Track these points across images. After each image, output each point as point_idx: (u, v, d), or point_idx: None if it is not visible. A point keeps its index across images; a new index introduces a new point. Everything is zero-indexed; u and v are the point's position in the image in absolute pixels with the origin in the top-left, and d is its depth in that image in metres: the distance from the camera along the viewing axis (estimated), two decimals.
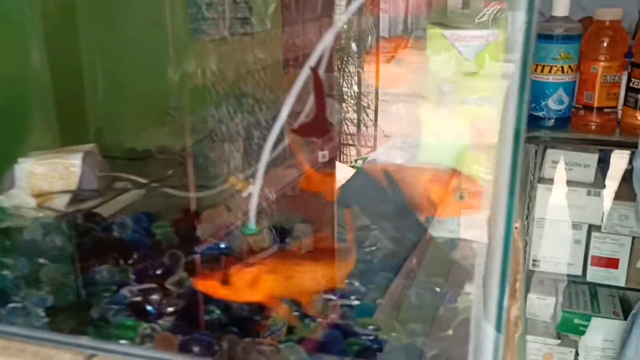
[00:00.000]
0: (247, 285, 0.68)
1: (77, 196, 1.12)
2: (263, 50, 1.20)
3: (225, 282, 0.72)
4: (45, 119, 1.26)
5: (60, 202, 1.09)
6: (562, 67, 1.59)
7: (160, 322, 0.83)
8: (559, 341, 1.79)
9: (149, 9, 1.39)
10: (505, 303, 0.69)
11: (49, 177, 1.10)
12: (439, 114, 1.03)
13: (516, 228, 1.16)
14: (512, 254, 1.09)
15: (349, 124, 2.45)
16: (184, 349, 0.78)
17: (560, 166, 1.69)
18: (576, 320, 1.75)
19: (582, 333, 1.75)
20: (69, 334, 0.83)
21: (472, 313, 0.68)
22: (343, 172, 1.35)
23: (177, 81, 1.17)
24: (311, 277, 0.68)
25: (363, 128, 2.52)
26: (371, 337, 0.81)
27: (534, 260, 1.80)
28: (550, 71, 1.61)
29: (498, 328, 0.69)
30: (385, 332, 0.81)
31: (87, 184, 1.13)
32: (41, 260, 0.94)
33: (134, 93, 1.41)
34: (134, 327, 0.82)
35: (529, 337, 1.82)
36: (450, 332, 0.82)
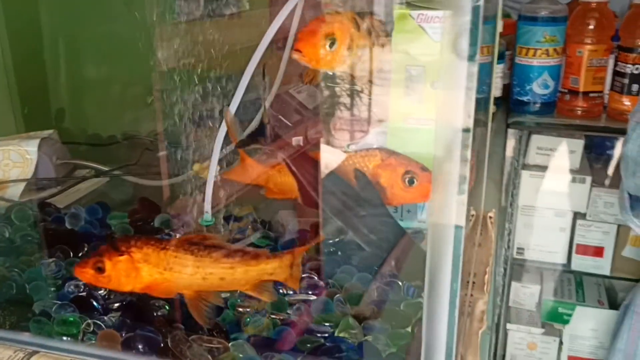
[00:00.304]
0: (122, 274, 0.64)
1: (32, 185, 1.07)
2: (248, 31, 1.16)
3: (99, 269, 0.67)
4: (5, 104, 1.21)
5: (15, 191, 1.05)
6: (547, 50, 1.54)
7: (106, 318, 0.79)
8: (543, 330, 1.76)
9: None
10: (458, 300, 0.65)
11: (3, 164, 1.06)
12: (407, 99, 0.98)
13: (490, 217, 1.12)
14: (484, 244, 1.05)
15: (342, 108, 2.41)
16: (127, 345, 0.75)
17: (545, 152, 1.64)
18: (560, 309, 1.72)
19: (567, 322, 1.72)
20: (10, 329, 0.80)
21: (424, 308, 0.64)
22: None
23: (151, 65, 1.12)
24: (194, 271, 0.64)
25: (357, 112, 2.47)
26: (326, 335, 0.77)
27: (518, 249, 1.76)
28: (534, 54, 1.55)
29: (451, 324, 0.65)
30: (341, 330, 0.77)
31: (44, 172, 1.09)
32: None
33: (103, 77, 1.36)
34: (77, 323, 0.78)
35: (512, 326, 1.79)
36: (409, 329, 0.79)
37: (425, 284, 0.66)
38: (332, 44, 0.62)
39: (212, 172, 0.88)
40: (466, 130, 0.57)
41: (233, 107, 0.85)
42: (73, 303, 0.80)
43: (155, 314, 0.80)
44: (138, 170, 1.19)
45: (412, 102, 0.99)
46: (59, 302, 0.80)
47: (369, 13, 0.67)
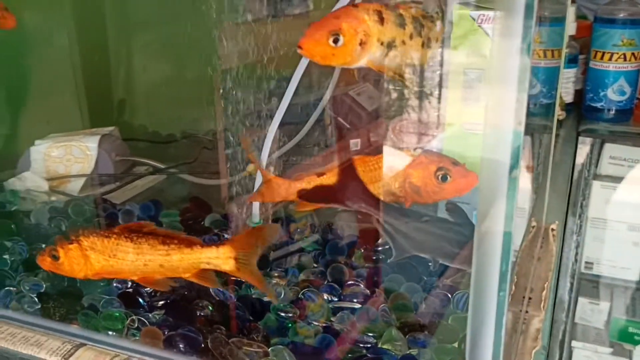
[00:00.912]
0: (74, 261, 0.68)
1: (92, 180, 1.10)
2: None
3: (54, 257, 0.69)
4: (72, 100, 1.25)
5: (75, 186, 1.08)
6: (625, 55, 1.45)
7: (150, 315, 0.80)
8: (612, 350, 1.66)
9: None
10: (504, 318, 0.61)
11: (65, 160, 1.09)
12: (464, 103, 0.94)
13: (552, 230, 1.06)
14: (543, 257, 0.99)
15: (411, 110, 2.37)
16: (169, 344, 0.75)
17: (619, 162, 1.55)
18: (631, 329, 1.62)
19: (638, 343, 1.62)
20: (59, 321, 0.81)
21: (468, 320, 0.61)
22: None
23: (214, 64, 1.13)
24: (135, 258, 0.68)
25: (425, 115, 2.42)
26: (369, 345, 0.75)
27: (587, 263, 1.67)
28: (610, 59, 1.46)
29: (497, 340, 0.61)
30: (385, 341, 0.75)
31: (104, 168, 1.12)
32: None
33: (166, 76, 1.38)
34: (122, 319, 0.79)
35: (578, 344, 1.70)
36: (456, 344, 0.75)
37: (470, 294, 0.63)
38: (336, 40, 0.58)
39: (259, 171, 0.87)
40: (517, 132, 0.54)
41: (283, 108, 0.83)
42: (119, 298, 0.82)
43: (198, 314, 0.80)
44: (196, 169, 1.20)
45: (470, 106, 0.95)
46: (106, 297, 0.82)
47: (413, 4, 0.63)
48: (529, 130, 1.37)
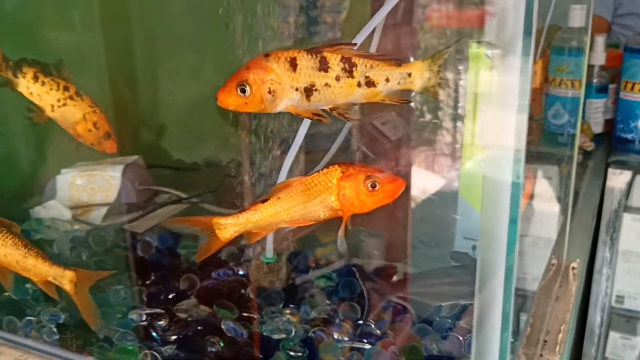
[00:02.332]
0: None
1: (114, 209, 1.13)
2: None
3: None
4: None
5: (98, 215, 1.11)
6: None
7: (163, 349, 0.81)
8: None
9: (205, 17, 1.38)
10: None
11: (89, 188, 1.12)
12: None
13: (573, 268, 1.04)
14: (562, 298, 0.97)
15: (445, 133, 2.36)
16: None
17: None
18: None
19: None
20: (76, 352, 0.83)
21: None
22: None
23: None
24: None
25: (458, 137, 2.41)
26: None
27: (617, 297, 1.63)
28: None
29: None
30: None
31: (127, 197, 1.14)
32: None
33: (190, 104, 1.41)
34: (135, 353, 0.80)
35: None
36: None
37: (473, 334, 0.62)
38: (243, 90, 0.63)
39: None
40: (518, 152, 0.56)
41: (301, 135, 0.83)
42: (134, 332, 0.83)
43: (209, 350, 0.80)
44: (217, 197, 1.21)
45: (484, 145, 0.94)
46: (121, 330, 0.83)
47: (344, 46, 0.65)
48: (554, 160, 1.35)
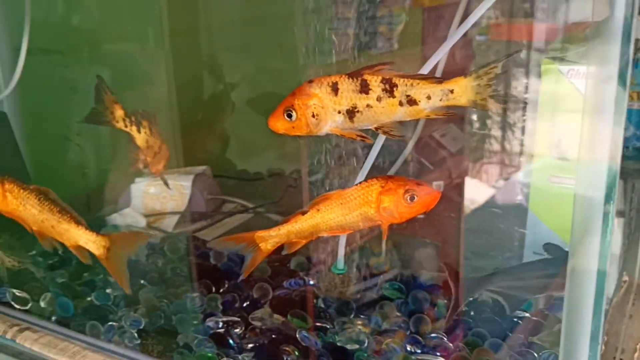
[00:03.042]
0: None
1: (185, 218, 1.16)
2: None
3: None
4: (167, 137, 1.32)
5: (170, 223, 1.15)
6: None
7: (240, 357, 0.83)
8: None
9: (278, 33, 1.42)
10: None
11: (161, 197, 1.16)
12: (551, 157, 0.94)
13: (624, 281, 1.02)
14: (636, 316, 0.96)
15: (493, 141, 2.34)
16: None
17: None
18: None
19: None
20: (157, 357, 0.87)
21: None
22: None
23: None
24: (38, 213, 0.86)
25: (508, 146, 2.39)
26: None
27: None
28: None
29: None
30: None
31: (196, 206, 1.18)
32: (142, 282, 0.99)
33: (255, 115, 1.44)
34: (214, 359, 0.83)
35: None
36: None
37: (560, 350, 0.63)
38: (289, 116, 0.68)
39: None
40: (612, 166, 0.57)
41: (375, 152, 0.85)
42: (212, 339, 0.86)
43: (285, 359, 0.82)
44: (280, 207, 1.24)
45: (558, 160, 0.94)
46: (200, 337, 0.86)
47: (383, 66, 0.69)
48: (622, 174, 1.33)
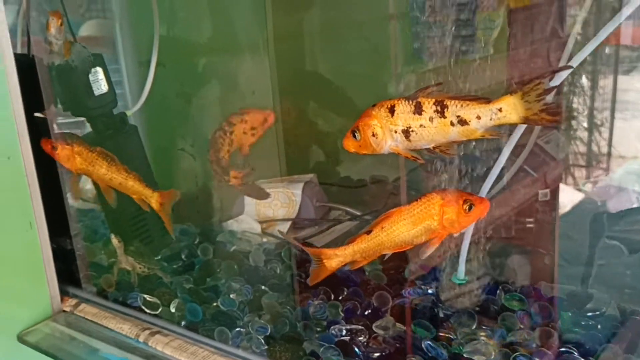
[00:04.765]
0: (64, 159, 1.03)
1: (295, 224, 1.20)
2: (485, 74, 1.17)
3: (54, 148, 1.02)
4: (272, 146, 1.36)
5: (282, 229, 1.18)
6: None
7: None
8: None
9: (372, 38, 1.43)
10: None
11: (272, 204, 1.20)
12: None
13: None
14: None
15: (579, 143, 2.29)
16: None
17: None
18: None
19: None
20: None
21: None
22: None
23: None
24: (106, 171, 1.02)
25: (595, 147, 2.32)
26: None
27: None
28: None
29: None
30: None
31: (305, 213, 1.21)
32: (263, 287, 1.02)
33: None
34: None
35: None
36: None
37: None
38: (355, 136, 0.76)
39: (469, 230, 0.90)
40: None
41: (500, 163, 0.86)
42: (337, 346, 0.88)
43: None
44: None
45: None
46: (326, 344, 0.88)
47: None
48: None
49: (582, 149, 2.27)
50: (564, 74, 0.77)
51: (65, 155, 1.00)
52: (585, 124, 2.20)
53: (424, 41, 1.20)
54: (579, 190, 1.71)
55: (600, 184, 1.74)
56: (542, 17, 1.27)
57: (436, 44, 1.23)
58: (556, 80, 0.74)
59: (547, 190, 1.33)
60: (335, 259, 0.83)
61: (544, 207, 1.26)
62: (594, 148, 2.24)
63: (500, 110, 0.70)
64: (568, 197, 1.47)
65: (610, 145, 2.12)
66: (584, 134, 2.29)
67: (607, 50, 1.75)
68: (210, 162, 1.09)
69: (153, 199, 1.00)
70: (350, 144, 0.77)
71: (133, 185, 1.00)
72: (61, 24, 0.97)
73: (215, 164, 1.08)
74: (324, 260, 0.83)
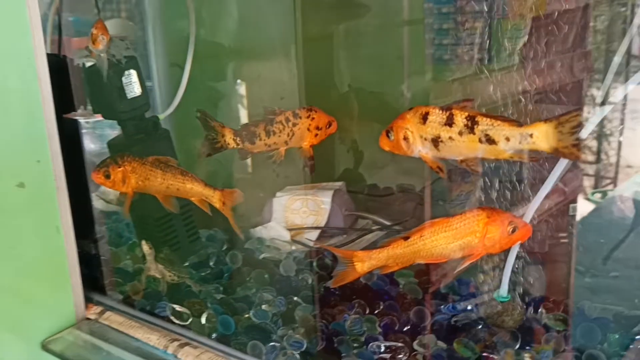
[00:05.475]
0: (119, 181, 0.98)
1: (324, 233, 1.17)
2: (503, 84, 1.15)
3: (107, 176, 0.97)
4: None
5: (311, 237, 1.15)
6: None
7: None
8: None
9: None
10: None
11: (302, 212, 1.17)
12: None
13: None
14: None
15: (587, 152, 2.26)
16: None
17: None
18: None
19: None
20: None
21: None
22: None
23: None
24: (161, 182, 0.98)
25: (603, 157, 2.30)
26: None
27: None
28: None
29: None
30: None
31: (334, 221, 1.18)
32: (295, 299, 0.99)
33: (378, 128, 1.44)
34: None
35: None
36: None
37: None
38: (389, 136, 0.77)
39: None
40: None
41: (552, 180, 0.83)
42: None
43: None
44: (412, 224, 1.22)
45: None
46: None
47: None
48: None
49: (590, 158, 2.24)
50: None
51: (120, 179, 0.95)
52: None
53: (452, 49, 1.18)
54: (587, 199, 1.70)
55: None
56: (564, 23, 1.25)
57: (465, 52, 1.20)
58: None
59: (576, 205, 1.31)
60: (368, 261, 0.81)
61: (572, 221, 1.24)
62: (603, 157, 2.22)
63: (531, 136, 0.69)
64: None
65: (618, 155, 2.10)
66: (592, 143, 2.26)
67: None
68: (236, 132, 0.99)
69: (215, 198, 0.95)
70: (385, 143, 0.79)
71: (192, 188, 0.95)
72: (110, 40, 0.94)
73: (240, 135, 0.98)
74: (356, 263, 0.81)
